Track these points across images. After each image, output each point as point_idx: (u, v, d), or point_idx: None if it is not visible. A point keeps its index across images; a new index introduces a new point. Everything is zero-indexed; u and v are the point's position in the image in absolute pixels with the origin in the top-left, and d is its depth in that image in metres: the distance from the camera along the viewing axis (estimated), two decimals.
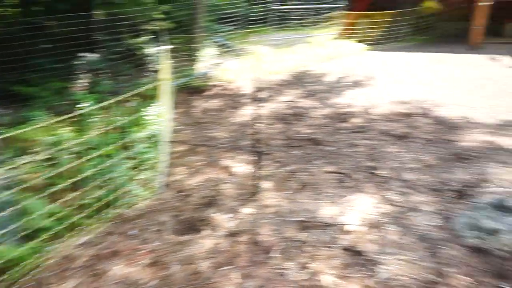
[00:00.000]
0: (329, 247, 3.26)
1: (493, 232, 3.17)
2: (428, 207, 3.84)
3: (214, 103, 8.01)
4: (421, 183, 4.32)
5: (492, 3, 10.70)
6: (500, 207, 3.46)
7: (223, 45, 12.22)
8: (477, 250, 3.10)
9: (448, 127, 6.03)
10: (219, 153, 5.40)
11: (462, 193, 4.02)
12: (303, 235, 3.42)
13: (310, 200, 4.02)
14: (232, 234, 3.51)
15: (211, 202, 4.11)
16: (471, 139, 5.51)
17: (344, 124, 6.37)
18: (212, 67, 10.24)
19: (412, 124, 6.21)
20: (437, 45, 12.34)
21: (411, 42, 13.20)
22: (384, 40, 12.54)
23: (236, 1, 14.38)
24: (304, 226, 3.55)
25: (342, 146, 5.46)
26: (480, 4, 10.73)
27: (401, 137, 5.68)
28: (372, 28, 12.30)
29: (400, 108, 6.99)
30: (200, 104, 7.99)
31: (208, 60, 10.75)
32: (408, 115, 6.64)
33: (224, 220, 3.75)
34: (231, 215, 3.82)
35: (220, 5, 14.05)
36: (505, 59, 9.99)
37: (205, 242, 3.45)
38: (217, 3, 13.96)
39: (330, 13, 14.04)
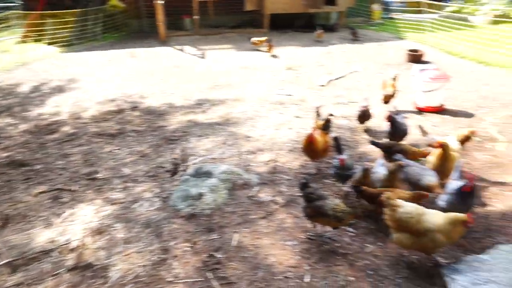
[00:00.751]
0: (52, 275, 2.91)
1: (199, 196, 3.71)
2: (149, 193, 4.07)
3: None
4: (140, 174, 4.50)
5: (163, 2, 12.07)
6: (200, 174, 4.09)
7: None
8: (190, 217, 3.56)
9: (156, 115, 6.52)
10: None
11: (175, 171, 4.48)
12: (15, 278, 2.89)
13: (19, 233, 3.43)
14: None
15: None
16: (176, 122, 6.19)
17: (52, 136, 5.76)
18: None
19: (124, 120, 6.34)
20: (132, 41, 12.99)
21: (106, 40, 13.28)
22: (78, 40, 12.03)
23: None
24: (16, 265, 3.00)
25: (52, 160, 4.93)
26: (157, 2, 11.92)
27: (116, 135, 5.71)
28: (62, 29, 11.49)
29: (110, 106, 6.98)
30: None
31: None
32: (118, 112, 6.72)
33: None
34: None
35: None
36: (187, 49, 11.70)
37: None
38: None
39: (2, 14, 11.99)
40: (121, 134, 5.74)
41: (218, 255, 3.05)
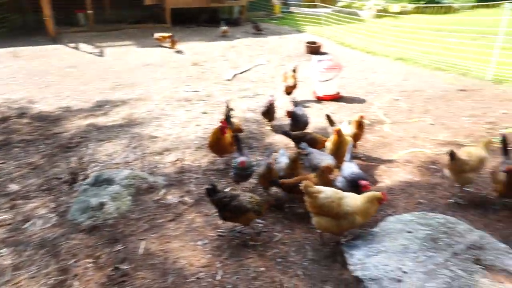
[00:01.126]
0: None
1: (100, 206, 3.46)
2: (44, 209, 3.67)
3: None
4: (32, 188, 4.04)
5: None
6: (101, 182, 3.81)
7: None
8: (92, 229, 3.30)
9: (49, 121, 5.91)
10: None
11: (73, 182, 4.11)
12: None
13: None
14: None
15: None
16: (73, 127, 5.68)
17: None
18: None
19: (9, 129, 5.62)
20: (15, 39, 11.53)
21: None
22: None
23: None
24: None
25: None
26: None
27: None
28: None
29: None
30: None
31: None
32: (1, 120, 5.93)
33: None
34: None
35: None
36: (83, 46, 10.80)
37: None
38: None
39: None
40: (6, 146, 5.09)
41: (124, 266, 2.88)
